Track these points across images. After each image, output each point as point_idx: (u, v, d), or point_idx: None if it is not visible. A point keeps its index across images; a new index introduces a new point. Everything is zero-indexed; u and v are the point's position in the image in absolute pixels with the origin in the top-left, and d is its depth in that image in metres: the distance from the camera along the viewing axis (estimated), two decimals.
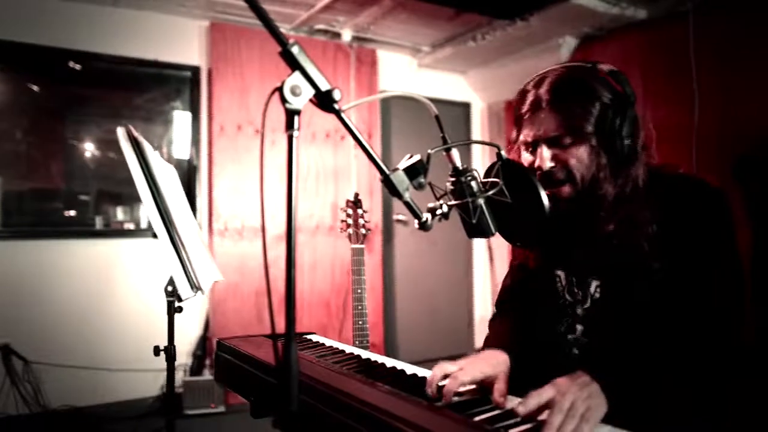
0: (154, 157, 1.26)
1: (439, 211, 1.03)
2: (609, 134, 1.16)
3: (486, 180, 1.10)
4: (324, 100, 0.91)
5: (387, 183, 0.98)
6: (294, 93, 0.88)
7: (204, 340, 3.90)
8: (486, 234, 1.08)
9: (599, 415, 0.91)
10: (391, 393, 1.03)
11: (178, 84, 4.08)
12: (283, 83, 0.87)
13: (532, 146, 1.24)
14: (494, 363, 1.15)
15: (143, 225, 3.96)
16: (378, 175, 0.97)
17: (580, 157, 1.18)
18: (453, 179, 1.08)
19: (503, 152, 1.12)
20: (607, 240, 1.19)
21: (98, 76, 3.88)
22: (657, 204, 1.16)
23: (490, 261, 5.42)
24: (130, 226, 3.91)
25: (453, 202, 1.05)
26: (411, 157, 1.02)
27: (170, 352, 1.45)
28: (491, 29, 4.28)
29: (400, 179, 0.99)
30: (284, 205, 0.90)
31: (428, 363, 1.34)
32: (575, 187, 1.20)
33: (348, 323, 4.45)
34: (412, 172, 1.00)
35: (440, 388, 1.04)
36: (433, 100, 1.02)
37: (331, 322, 4.34)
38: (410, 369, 1.27)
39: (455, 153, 1.07)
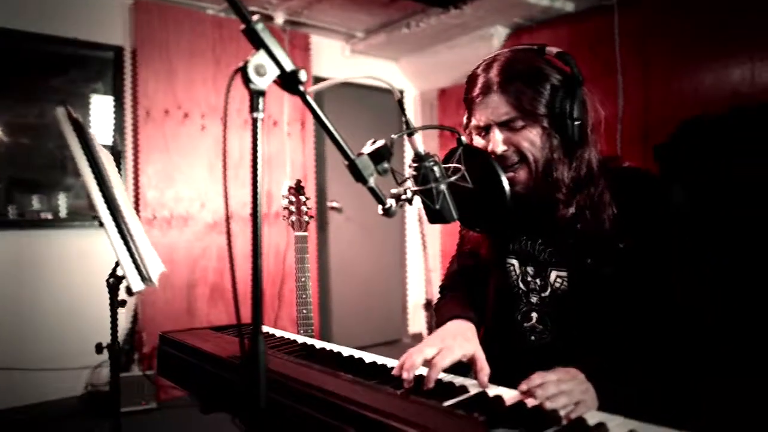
0: (96, 141, 1.16)
1: (403, 197, 1.02)
2: (560, 116, 1.16)
3: (448, 165, 1.10)
4: (289, 82, 0.88)
5: (352, 168, 0.96)
6: (258, 73, 0.83)
7: (132, 334, 3.73)
8: (448, 220, 1.08)
9: (585, 411, 0.93)
10: (355, 382, 1.02)
11: (99, 65, 3.83)
12: (246, 62, 0.82)
13: (485, 130, 1.23)
14: (467, 337, 1.16)
15: (63, 214, 3.71)
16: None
17: (532, 139, 1.18)
18: (415, 164, 1.06)
19: (464, 138, 1.12)
20: (568, 227, 1.20)
21: (9, 54, 3.57)
22: (612, 196, 1.18)
23: (423, 248, 5.47)
24: (48, 215, 3.65)
25: (417, 188, 1.04)
26: (375, 142, 1.00)
27: (114, 348, 1.35)
28: (425, 16, 4.30)
29: (366, 164, 0.97)
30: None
31: (364, 349, 1.33)
32: (530, 170, 1.20)
33: (283, 312, 4.39)
34: (377, 157, 0.98)
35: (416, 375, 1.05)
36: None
37: (265, 311, 4.26)
38: (368, 357, 1.26)
39: (418, 138, 1.06)
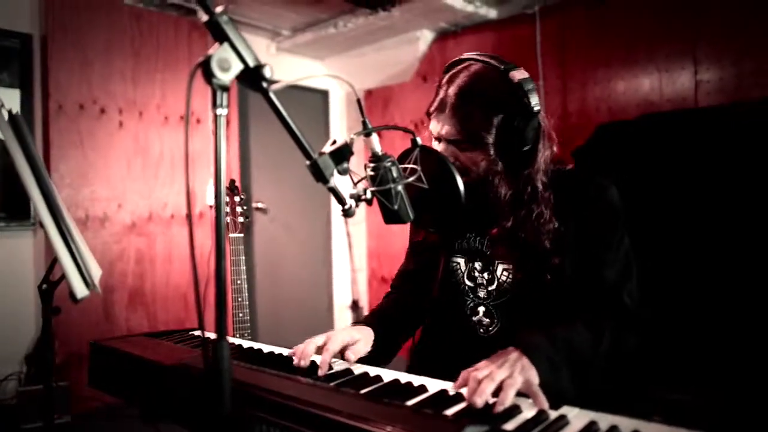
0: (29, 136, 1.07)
1: (363, 197, 1.01)
2: (507, 146, 1.21)
3: (405, 166, 1.10)
4: (251, 78, 0.85)
5: (314, 168, 0.94)
6: (222, 68, 0.80)
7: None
8: (404, 220, 1.08)
9: (522, 381, 0.96)
10: (315, 386, 1.00)
11: (4, 54, 3.54)
12: (209, 57, 0.79)
13: (437, 140, 1.29)
14: (357, 330, 1.29)
15: None
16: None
17: (475, 160, 1.24)
18: (373, 165, 1.06)
19: (419, 139, 1.13)
20: (510, 234, 1.25)
21: None
22: (555, 197, 1.24)
23: (349, 248, 5.48)
24: None
25: (376, 188, 1.03)
26: (334, 142, 0.99)
27: (48, 359, 1.25)
28: (353, 17, 4.30)
29: (327, 164, 0.95)
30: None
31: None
32: (469, 178, 1.24)
33: (210, 316, 4.23)
34: (338, 156, 0.97)
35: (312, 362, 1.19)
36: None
37: (189, 315, 4.10)
38: (319, 360, 1.24)
39: (375, 139, 1.06)
